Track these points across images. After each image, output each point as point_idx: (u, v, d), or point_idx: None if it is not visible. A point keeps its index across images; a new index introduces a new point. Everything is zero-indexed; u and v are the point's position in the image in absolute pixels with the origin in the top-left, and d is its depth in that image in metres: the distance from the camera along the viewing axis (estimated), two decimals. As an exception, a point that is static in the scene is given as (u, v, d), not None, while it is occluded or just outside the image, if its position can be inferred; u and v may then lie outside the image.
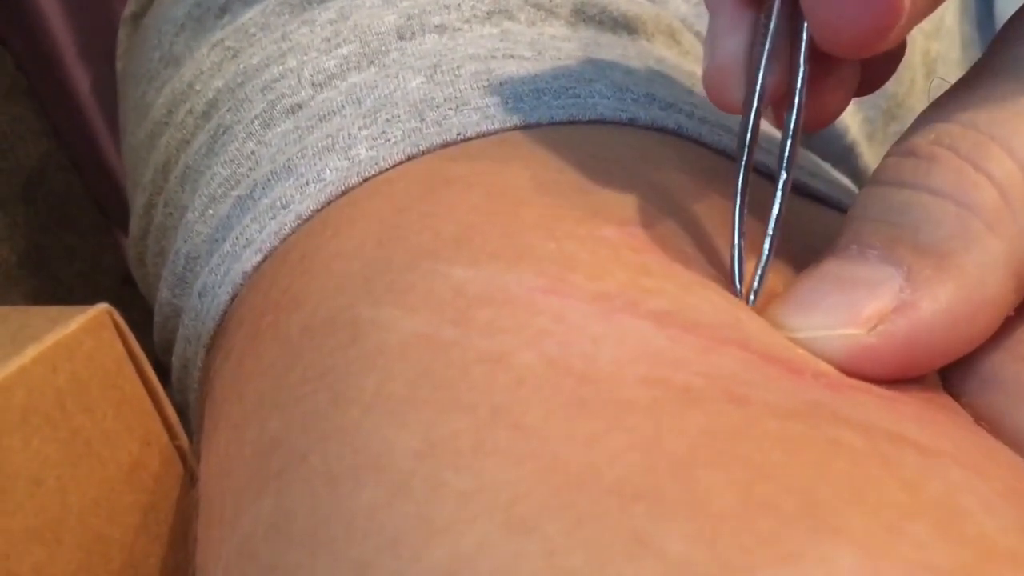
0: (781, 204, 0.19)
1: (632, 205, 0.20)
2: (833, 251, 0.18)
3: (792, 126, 0.19)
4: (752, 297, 0.19)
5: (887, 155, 0.19)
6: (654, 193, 0.21)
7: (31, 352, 0.19)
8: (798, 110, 0.19)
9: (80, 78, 0.45)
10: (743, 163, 0.20)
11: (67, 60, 0.44)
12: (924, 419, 0.16)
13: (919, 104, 0.41)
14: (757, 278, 0.19)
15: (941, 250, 0.17)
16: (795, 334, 0.18)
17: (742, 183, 0.20)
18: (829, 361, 0.17)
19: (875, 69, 0.21)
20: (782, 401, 0.15)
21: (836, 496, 0.13)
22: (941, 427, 0.16)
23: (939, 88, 0.20)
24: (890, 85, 0.40)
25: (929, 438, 0.15)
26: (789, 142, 0.19)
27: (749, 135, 0.20)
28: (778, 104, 0.20)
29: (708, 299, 0.18)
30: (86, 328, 0.21)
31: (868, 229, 0.18)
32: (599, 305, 0.17)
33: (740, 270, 0.19)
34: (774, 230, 0.19)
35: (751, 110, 0.20)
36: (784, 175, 0.20)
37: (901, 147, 0.19)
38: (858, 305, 0.17)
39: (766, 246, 0.19)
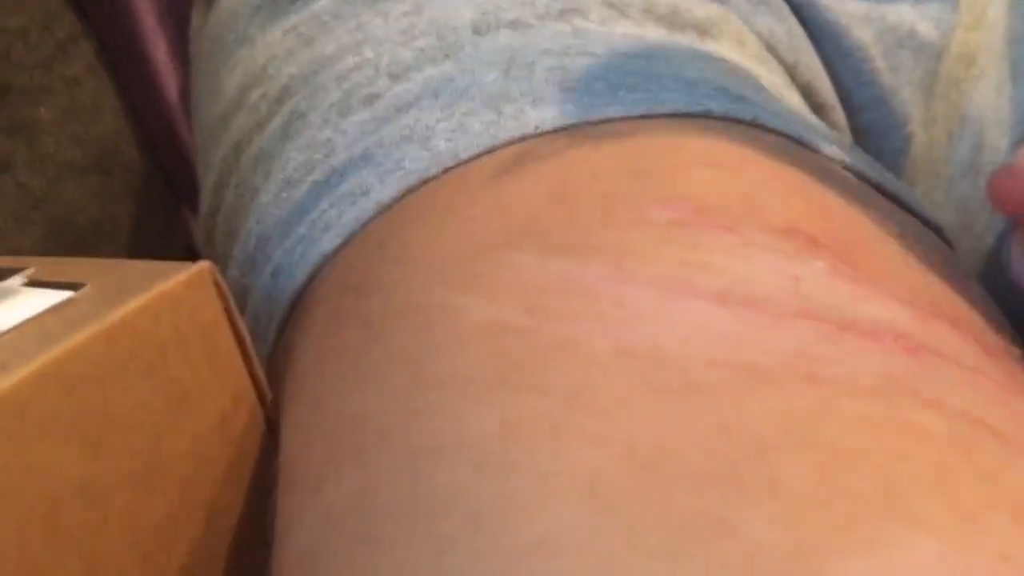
0: None
1: (682, 178, 0.21)
2: None
3: None
4: None
5: None
6: (708, 164, 0.21)
7: (137, 301, 0.20)
8: None
9: (158, 54, 0.46)
10: None
11: (146, 33, 0.45)
12: (1003, 400, 0.16)
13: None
14: None
15: None
16: None
17: None
18: None
19: None
20: (857, 377, 0.15)
21: (913, 483, 0.14)
22: (1020, 411, 0.16)
23: None
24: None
25: (1009, 424, 0.15)
26: None
27: None
28: None
29: (764, 264, 0.18)
30: (188, 283, 0.21)
31: None
32: (656, 288, 0.18)
33: None
34: None
35: None
36: None
37: None
38: None
39: None
